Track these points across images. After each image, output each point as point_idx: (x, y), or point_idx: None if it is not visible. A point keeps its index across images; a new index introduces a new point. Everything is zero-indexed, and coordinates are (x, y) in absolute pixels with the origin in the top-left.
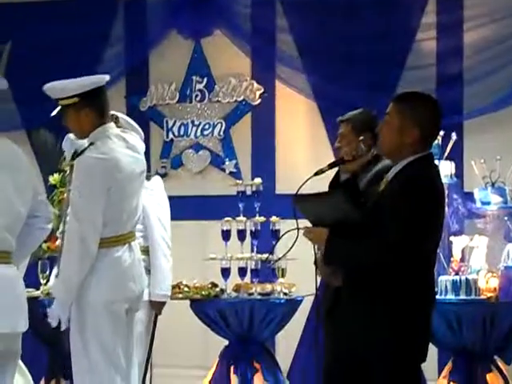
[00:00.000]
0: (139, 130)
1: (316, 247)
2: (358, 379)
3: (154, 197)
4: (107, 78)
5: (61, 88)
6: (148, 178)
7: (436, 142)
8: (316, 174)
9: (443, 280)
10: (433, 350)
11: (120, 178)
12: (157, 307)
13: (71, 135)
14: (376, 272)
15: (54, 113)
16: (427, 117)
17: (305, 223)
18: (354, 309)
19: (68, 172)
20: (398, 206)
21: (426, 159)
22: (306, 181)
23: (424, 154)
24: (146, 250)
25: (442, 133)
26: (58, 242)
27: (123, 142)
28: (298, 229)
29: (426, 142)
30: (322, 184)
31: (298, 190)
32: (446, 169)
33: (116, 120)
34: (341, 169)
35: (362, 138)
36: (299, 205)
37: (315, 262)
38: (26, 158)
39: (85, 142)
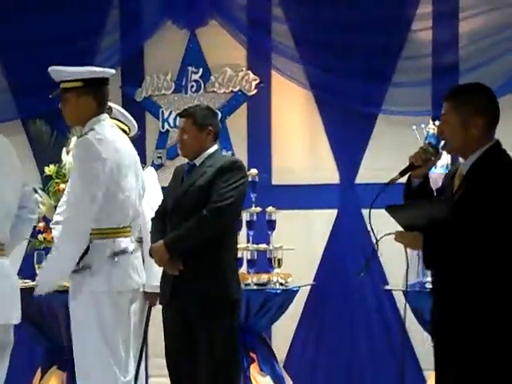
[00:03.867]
0: (133, 121)
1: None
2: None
3: (146, 187)
4: (113, 72)
5: (65, 71)
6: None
7: (432, 131)
8: (388, 183)
9: None
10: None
11: (119, 163)
12: (151, 298)
13: None
14: (473, 264)
15: (52, 95)
16: (485, 101)
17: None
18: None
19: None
20: (489, 198)
21: (498, 147)
22: (380, 193)
23: (493, 143)
24: (139, 241)
25: (437, 123)
26: (53, 233)
27: (119, 133)
28: (380, 237)
29: (490, 128)
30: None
31: (372, 203)
32: (442, 158)
33: (110, 111)
34: (411, 174)
35: (428, 141)
36: (391, 214)
37: (150, 253)
38: (12, 149)
39: None
